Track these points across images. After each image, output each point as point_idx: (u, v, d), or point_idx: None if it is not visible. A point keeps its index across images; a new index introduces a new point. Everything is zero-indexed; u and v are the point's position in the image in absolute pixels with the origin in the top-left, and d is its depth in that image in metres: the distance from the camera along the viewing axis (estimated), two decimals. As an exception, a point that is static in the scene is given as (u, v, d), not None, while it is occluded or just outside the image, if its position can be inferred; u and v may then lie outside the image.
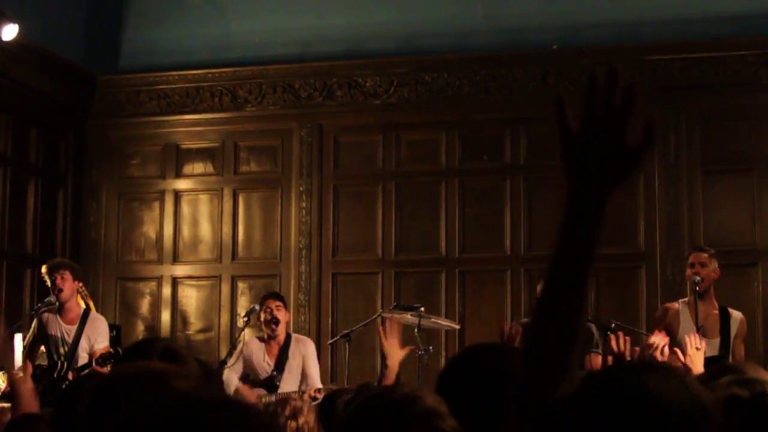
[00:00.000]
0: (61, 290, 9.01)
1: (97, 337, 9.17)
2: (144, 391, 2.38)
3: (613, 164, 2.00)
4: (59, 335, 9.06)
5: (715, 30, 10.83)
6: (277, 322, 9.25)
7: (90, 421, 2.43)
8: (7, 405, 8.20)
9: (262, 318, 9.33)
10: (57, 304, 9.10)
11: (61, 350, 9.04)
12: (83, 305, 9.52)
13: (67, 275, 9.09)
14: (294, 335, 9.64)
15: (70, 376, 8.81)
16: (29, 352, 9.20)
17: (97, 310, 10.67)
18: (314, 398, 8.77)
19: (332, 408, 5.61)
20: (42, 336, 9.14)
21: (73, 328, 9.09)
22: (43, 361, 9.26)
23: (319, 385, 9.10)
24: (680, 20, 10.94)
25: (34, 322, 9.25)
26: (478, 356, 2.87)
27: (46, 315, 9.12)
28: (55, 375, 8.92)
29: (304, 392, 8.87)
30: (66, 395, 3.77)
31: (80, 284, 10.09)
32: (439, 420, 2.27)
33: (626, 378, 1.62)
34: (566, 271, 2.00)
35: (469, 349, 2.95)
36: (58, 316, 9.09)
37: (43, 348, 9.30)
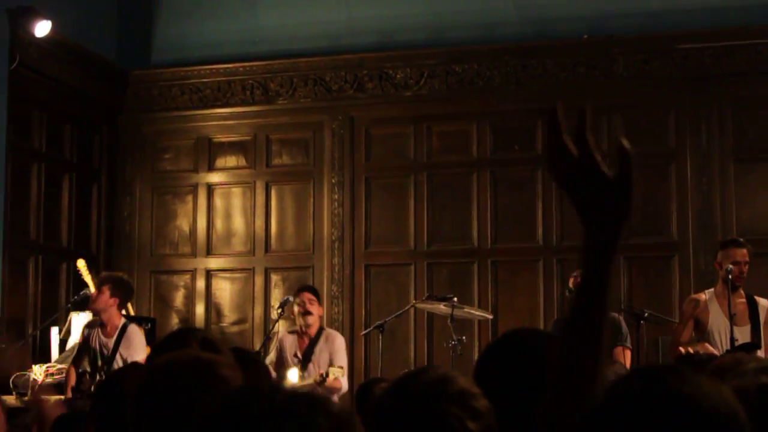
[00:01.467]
0: (94, 301, 9.10)
1: (132, 352, 9.18)
2: (195, 379, 2.43)
3: (608, 201, 1.98)
4: (98, 348, 9.12)
5: (746, 17, 10.78)
6: (308, 313, 9.24)
7: (142, 407, 2.48)
8: (54, 397, 8.28)
9: (296, 310, 9.33)
10: (85, 298, 9.17)
11: (99, 363, 9.10)
12: (123, 318, 9.52)
13: (105, 290, 9.12)
14: (325, 330, 9.50)
15: None
16: (76, 360, 9.26)
17: (131, 304, 10.74)
18: (321, 380, 8.78)
19: (370, 395, 5.64)
20: (86, 347, 9.20)
21: (111, 341, 9.15)
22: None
23: (343, 378, 9.08)
24: (711, 8, 10.90)
25: (80, 336, 9.30)
26: (514, 342, 2.90)
27: (87, 330, 9.18)
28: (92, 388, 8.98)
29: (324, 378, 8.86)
30: (107, 388, 3.79)
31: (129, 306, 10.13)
32: (472, 400, 2.29)
33: (662, 381, 1.67)
34: (587, 309, 2.06)
35: (505, 334, 2.97)
36: (99, 329, 9.16)
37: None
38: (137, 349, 9.22)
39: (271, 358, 9.35)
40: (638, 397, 1.64)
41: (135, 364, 7.84)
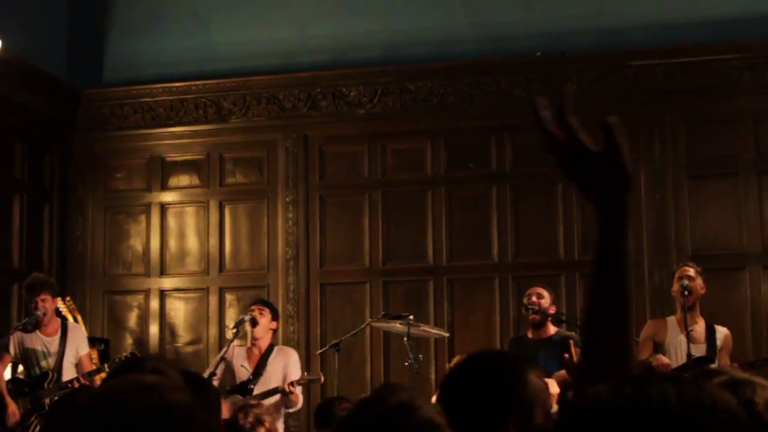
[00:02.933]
0: (44, 314, 9.00)
1: (80, 343, 9.24)
2: (138, 404, 2.34)
3: (605, 175, 2.02)
4: (41, 348, 9.04)
5: (698, 35, 10.85)
6: (254, 323, 9.21)
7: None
8: None
9: (246, 320, 9.33)
10: (40, 319, 9.07)
11: (44, 363, 9.02)
12: (62, 318, 9.55)
13: (47, 297, 9.08)
14: (277, 346, 9.58)
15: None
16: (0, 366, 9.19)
17: (84, 324, 10.65)
18: (287, 392, 8.77)
19: (330, 414, 5.60)
20: (18, 354, 9.09)
21: (53, 340, 9.08)
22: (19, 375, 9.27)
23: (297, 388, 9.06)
24: (663, 25, 10.96)
25: (9, 343, 9.13)
26: (479, 364, 2.87)
27: (18, 333, 9.08)
28: (46, 385, 8.91)
29: (278, 390, 8.86)
30: (57, 409, 3.75)
31: (68, 299, 10.09)
32: None
33: (655, 385, 1.56)
34: (609, 274, 2.09)
35: (470, 357, 2.93)
36: (37, 332, 9.08)
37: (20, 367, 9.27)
38: (84, 340, 9.28)
39: (215, 371, 9.27)
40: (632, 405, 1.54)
41: (86, 387, 7.79)
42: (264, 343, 9.30)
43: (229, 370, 9.21)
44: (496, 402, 2.69)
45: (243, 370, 9.17)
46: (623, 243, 2.06)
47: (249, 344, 9.35)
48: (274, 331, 9.59)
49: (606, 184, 2.01)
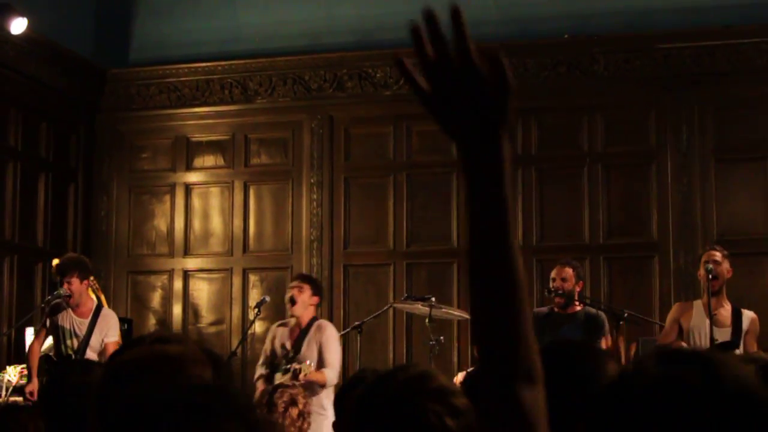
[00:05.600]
0: (69, 296, 9.01)
1: (108, 331, 9.17)
2: (159, 376, 2.32)
3: (482, 104, 1.70)
4: (69, 327, 9.06)
5: (727, 17, 10.76)
6: (292, 301, 8.95)
7: (100, 404, 2.38)
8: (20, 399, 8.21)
9: (286, 299, 9.02)
10: (67, 300, 9.09)
11: (69, 342, 9.03)
12: (95, 299, 9.55)
13: (75, 280, 9.06)
14: (318, 321, 9.05)
15: None
16: (36, 340, 9.25)
17: (108, 304, 10.65)
18: (294, 376, 8.57)
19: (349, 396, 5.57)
20: (52, 327, 9.15)
21: (85, 322, 9.09)
22: (50, 352, 9.30)
23: (329, 369, 8.76)
24: (692, 8, 10.87)
25: (46, 314, 9.23)
26: (559, 352, 2.79)
27: (55, 311, 9.12)
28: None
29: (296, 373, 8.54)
30: (53, 385, 3.75)
31: (91, 279, 10.08)
32: (452, 397, 2.28)
33: (697, 364, 1.54)
34: (484, 230, 1.76)
35: (551, 344, 2.85)
36: (69, 310, 9.10)
37: (50, 340, 9.30)
38: (114, 327, 9.20)
39: (265, 348, 9.10)
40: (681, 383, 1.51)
41: (86, 360, 7.82)
42: (305, 319, 8.96)
43: (274, 354, 8.96)
44: (572, 394, 2.56)
45: (283, 351, 8.86)
46: (501, 201, 1.73)
47: (291, 323, 9.03)
48: (318, 306, 9.20)
49: (479, 112, 1.71)
